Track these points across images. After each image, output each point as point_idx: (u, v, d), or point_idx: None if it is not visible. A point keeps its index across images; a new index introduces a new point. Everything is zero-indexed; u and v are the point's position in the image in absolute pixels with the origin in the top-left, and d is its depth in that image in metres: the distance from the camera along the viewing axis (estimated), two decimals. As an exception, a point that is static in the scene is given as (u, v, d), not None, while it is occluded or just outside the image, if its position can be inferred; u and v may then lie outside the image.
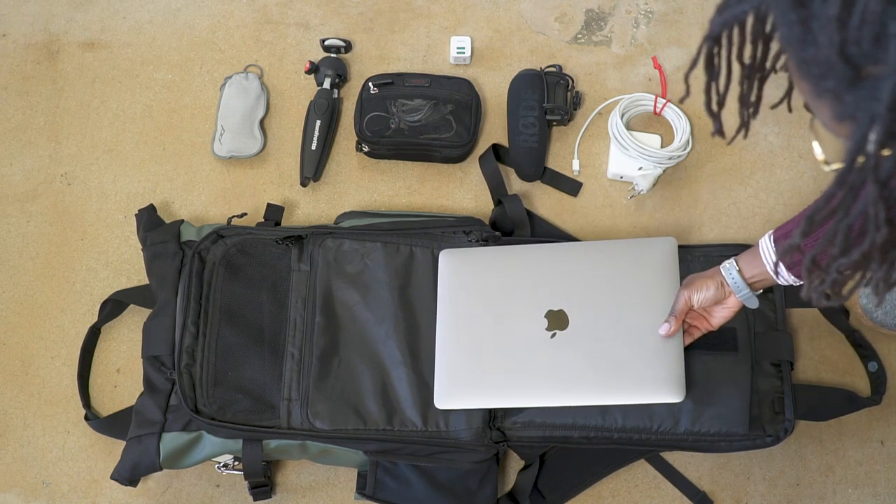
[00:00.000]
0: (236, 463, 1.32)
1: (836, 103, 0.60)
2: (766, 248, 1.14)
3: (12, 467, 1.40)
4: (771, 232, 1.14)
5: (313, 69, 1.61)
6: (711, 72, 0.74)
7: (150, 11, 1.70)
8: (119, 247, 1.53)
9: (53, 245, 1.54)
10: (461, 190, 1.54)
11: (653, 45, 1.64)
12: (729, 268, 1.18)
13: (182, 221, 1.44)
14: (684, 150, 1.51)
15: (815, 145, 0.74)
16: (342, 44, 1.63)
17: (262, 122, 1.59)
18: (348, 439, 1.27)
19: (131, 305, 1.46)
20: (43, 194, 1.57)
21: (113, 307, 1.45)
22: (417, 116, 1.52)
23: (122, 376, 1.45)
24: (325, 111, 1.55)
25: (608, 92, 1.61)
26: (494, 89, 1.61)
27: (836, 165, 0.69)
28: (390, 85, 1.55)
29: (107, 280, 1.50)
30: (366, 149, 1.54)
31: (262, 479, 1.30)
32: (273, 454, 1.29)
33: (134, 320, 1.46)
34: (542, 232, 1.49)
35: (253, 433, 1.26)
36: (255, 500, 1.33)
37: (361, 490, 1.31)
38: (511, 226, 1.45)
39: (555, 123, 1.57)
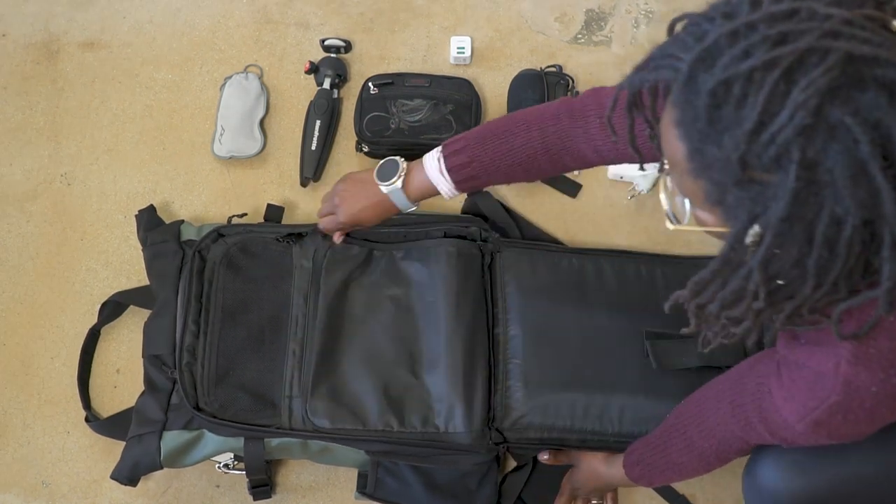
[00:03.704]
0: (237, 463, 1.32)
1: (714, 191, 0.65)
2: (432, 166, 1.17)
3: (12, 467, 1.40)
4: (440, 152, 1.16)
5: (313, 69, 1.61)
6: (632, 115, 0.78)
7: (150, 11, 1.70)
8: (119, 247, 1.53)
9: (53, 245, 1.54)
10: (461, 190, 1.54)
11: (653, 45, 1.63)
12: (395, 191, 1.21)
13: (182, 221, 1.44)
14: None
15: (663, 199, 0.78)
16: (342, 44, 1.63)
17: (262, 122, 1.59)
18: (348, 439, 1.27)
19: (131, 306, 1.46)
20: (43, 194, 1.57)
21: (113, 308, 1.45)
22: (417, 116, 1.52)
23: (122, 377, 1.45)
24: (325, 111, 1.55)
25: (608, 92, 1.61)
26: (494, 89, 1.61)
27: (678, 227, 0.76)
28: (390, 85, 1.55)
29: (107, 280, 1.50)
30: (366, 149, 1.54)
31: (263, 478, 1.30)
32: (274, 452, 1.29)
33: (134, 321, 1.46)
34: (529, 233, 1.49)
35: (254, 431, 1.26)
36: (255, 499, 1.33)
37: (362, 489, 1.31)
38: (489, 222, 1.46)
39: (555, 123, 1.56)
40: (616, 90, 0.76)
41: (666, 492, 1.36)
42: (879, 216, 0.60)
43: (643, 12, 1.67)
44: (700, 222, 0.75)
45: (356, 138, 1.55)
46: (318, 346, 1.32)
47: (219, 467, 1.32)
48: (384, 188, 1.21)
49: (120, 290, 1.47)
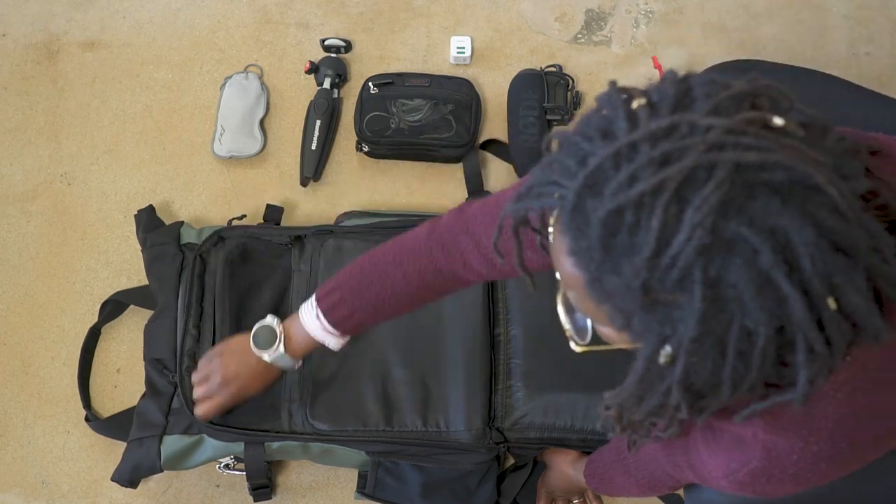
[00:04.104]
0: (236, 463, 1.32)
1: (619, 317, 0.63)
2: (308, 313, 1.12)
3: (12, 467, 1.40)
4: (314, 301, 1.12)
5: (313, 69, 1.61)
6: (518, 237, 0.75)
7: (150, 11, 1.70)
8: (119, 247, 1.53)
9: (53, 245, 1.54)
10: (461, 190, 1.54)
11: (653, 45, 1.64)
12: (280, 355, 1.16)
13: (182, 223, 1.43)
14: None
15: (562, 317, 0.77)
16: (342, 44, 1.63)
17: (262, 122, 1.59)
18: (349, 440, 1.27)
19: (131, 305, 1.46)
20: (43, 194, 1.57)
21: (113, 308, 1.45)
22: (417, 116, 1.52)
23: (122, 376, 1.45)
24: (325, 111, 1.55)
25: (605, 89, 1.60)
26: (494, 89, 1.61)
27: (589, 348, 0.77)
28: (390, 85, 1.55)
29: (107, 280, 1.50)
30: (366, 149, 1.54)
31: (264, 481, 1.30)
32: (275, 455, 1.29)
33: (134, 320, 1.46)
34: None
35: (255, 437, 1.26)
36: (255, 500, 1.33)
37: (361, 489, 1.31)
38: None
39: (555, 123, 1.57)
40: (500, 217, 0.74)
41: None
42: (790, 323, 0.58)
43: (643, 12, 1.67)
44: (606, 338, 0.73)
45: (356, 138, 1.55)
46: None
47: (219, 467, 1.32)
48: (267, 357, 1.15)
49: (120, 289, 1.47)
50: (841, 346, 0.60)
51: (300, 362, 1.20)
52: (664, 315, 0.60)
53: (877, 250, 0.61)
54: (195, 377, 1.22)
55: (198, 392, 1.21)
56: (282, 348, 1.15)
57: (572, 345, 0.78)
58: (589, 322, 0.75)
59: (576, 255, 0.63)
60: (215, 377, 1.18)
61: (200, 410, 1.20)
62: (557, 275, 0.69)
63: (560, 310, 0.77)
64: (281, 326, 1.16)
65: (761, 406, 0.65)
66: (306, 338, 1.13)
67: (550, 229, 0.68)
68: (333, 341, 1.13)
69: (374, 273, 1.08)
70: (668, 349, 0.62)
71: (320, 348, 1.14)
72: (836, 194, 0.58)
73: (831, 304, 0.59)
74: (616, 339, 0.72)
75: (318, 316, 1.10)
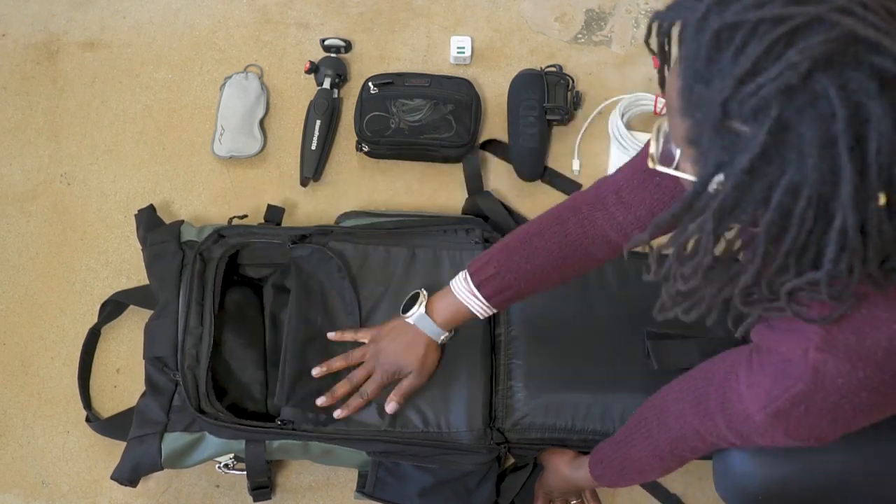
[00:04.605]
0: (236, 463, 1.32)
1: (694, 131, 0.67)
2: (460, 287, 1.18)
3: (12, 467, 1.40)
4: (465, 272, 1.18)
5: (313, 69, 1.61)
6: (663, 56, 0.79)
7: (150, 11, 1.70)
8: (119, 247, 1.53)
9: (53, 245, 1.54)
10: (461, 190, 1.54)
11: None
12: (420, 316, 1.22)
13: (182, 222, 1.43)
14: None
15: (653, 141, 0.80)
16: (342, 44, 1.63)
17: (262, 122, 1.59)
18: (350, 440, 1.27)
19: (131, 305, 1.46)
20: (43, 194, 1.57)
21: (113, 308, 1.45)
22: (417, 116, 1.52)
23: (122, 376, 1.45)
24: (325, 111, 1.55)
25: (608, 92, 1.61)
26: (494, 89, 1.61)
27: (661, 168, 0.78)
28: (390, 85, 1.55)
29: (107, 280, 1.50)
30: (366, 149, 1.54)
31: (264, 480, 1.30)
32: (275, 454, 1.29)
33: (134, 320, 1.46)
34: None
35: (256, 433, 1.26)
36: (255, 500, 1.33)
37: (361, 489, 1.31)
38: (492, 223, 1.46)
39: (555, 123, 1.57)
40: (649, 20, 0.78)
41: (659, 491, 1.36)
42: (835, 197, 0.61)
43: (643, 12, 1.67)
44: (680, 170, 0.76)
45: (356, 138, 1.55)
46: (317, 349, 1.32)
47: (219, 467, 1.32)
48: (410, 319, 1.22)
49: (120, 289, 1.47)
50: (877, 244, 0.63)
51: (446, 334, 1.24)
52: (729, 141, 0.64)
53: None
54: (357, 375, 1.26)
55: (356, 374, 1.25)
56: (422, 309, 1.21)
57: (648, 162, 0.80)
58: (677, 153, 0.77)
59: (683, 62, 0.67)
60: (375, 356, 1.25)
61: (391, 406, 1.25)
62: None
63: (653, 136, 0.80)
64: (425, 292, 1.23)
65: (799, 282, 0.67)
66: (452, 302, 1.19)
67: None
68: (478, 305, 1.17)
69: (522, 236, 1.15)
70: (720, 177, 0.65)
71: (467, 319, 1.20)
72: None
73: (882, 198, 0.61)
74: (687, 169, 0.74)
75: (465, 279, 1.17)
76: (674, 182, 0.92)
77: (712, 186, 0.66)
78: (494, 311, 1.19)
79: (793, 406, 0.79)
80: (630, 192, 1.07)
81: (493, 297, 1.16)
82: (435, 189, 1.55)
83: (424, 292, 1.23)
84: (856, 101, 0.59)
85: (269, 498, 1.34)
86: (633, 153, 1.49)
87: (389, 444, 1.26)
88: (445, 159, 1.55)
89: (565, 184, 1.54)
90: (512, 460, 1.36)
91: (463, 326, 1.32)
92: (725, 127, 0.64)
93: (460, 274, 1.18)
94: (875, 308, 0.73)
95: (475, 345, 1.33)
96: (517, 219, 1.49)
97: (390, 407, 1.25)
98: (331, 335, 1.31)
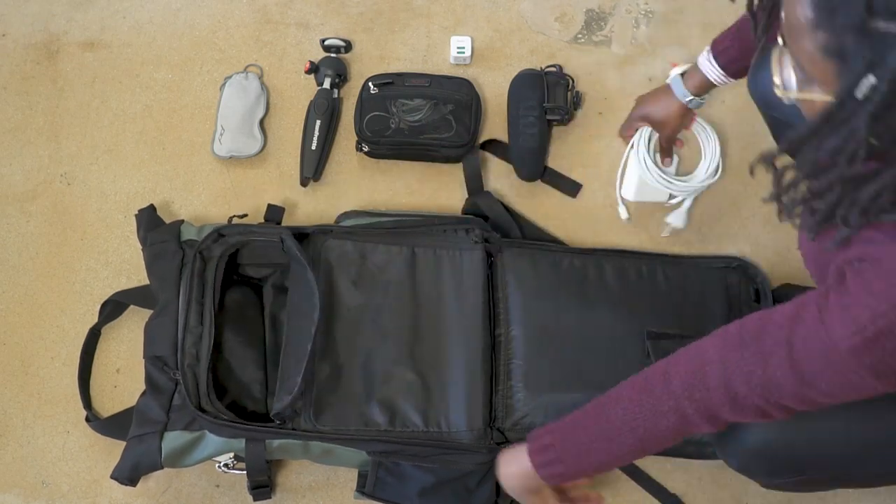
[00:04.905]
0: (236, 462, 1.32)
1: (833, 41, 0.65)
2: (706, 61, 1.24)
3: (12, 467, 1.40)
4: (708, 48, 1.24)
5: (313, 69, 1.61)
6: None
7: (150, 11, 1.70)
8: (119, 247, 1.53)
9: (53, 245, 1.54)
10: (461, 190, 1.54)
11: (653, 45, 1.64)
12: (675, 79, 1.30)
13: (182, 221, 1.43)
14: (714, 176, 1.40)
15: (774, 71, 0.78)
16: (342, 44, 1.63)
17: (262, 122, 1.59)
18: (350, 440, 1.27)
19: (131, 305, 1.46)
20: (43, 194, 1.57)
21: (113, 308, 1.45)
22: (417, 116, 1.52)
23: (122, 376, 1.45)
24: (325, 111, 1.55)
25: (608, 92, 1.61)
26: (494, 89, 1.61)
27: (790, 94, 0.76)
28: (390, 85, 1.54)
29: (107, 280, 1.50)
30: (366, 149, 1.54)
31: (264, 479, 1.30)
32: (275, 453, 1.29)
33: (134, 320, 1.46)
34: (530, 233, 1.49)
35: (256, 432, 1.26)
36: (255, 500, 1.33)
37: (361, 489, 1.31)
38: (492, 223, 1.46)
39: (555, 123, 1.57)
40: None
41: (659, 491, 1.36)
42: None
43: (643, 12, 1.67)
44: (806, 87, 0.74)
45: (356, 138, 1.55)
46: (320, 347, 1.32)
47: (219, 467, 1.32)
48: (667, 80, 1.32)
49: (120, 289, 1.47)
50: None
51: (691, 97, 1.30)
52: (878, 42, 0.63)
53: None
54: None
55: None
56: (680, 70, 1.30)
57: (776, 90, 0.78)
58: (793, 78, 0.76)
59: None
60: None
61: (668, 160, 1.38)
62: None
63: (773, 64, 0.78)
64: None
65: None
66: (700, 77, 1.27)
67: None
68: (715, 75, 1.24)
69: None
70: (871, 79, 0.64)
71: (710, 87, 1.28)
72: None
73: None
74: (818, 93, 0.72)
75: (710, 57, 1.24)
76: None
77: (860, 92, 0.65)
78: (734, 80, 1.24)
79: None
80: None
81: (728, 66, 1.22)
82: (435, 189, 1.55)
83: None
84: None
85: (269, 497, 1.34)
86: (660, 185, 1.41)
87: (390, 444, 1.26)
88: (445, 159, 1.55)
89: (565, 184, 1.54)
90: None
91: (463, 327, 1.32)
92: (870, 28, 0.63)
93: (705, 53, 1.24)
94: None
95: (475, 345, 1.33)
96: (517, 218, 1.49)
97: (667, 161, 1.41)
98: None
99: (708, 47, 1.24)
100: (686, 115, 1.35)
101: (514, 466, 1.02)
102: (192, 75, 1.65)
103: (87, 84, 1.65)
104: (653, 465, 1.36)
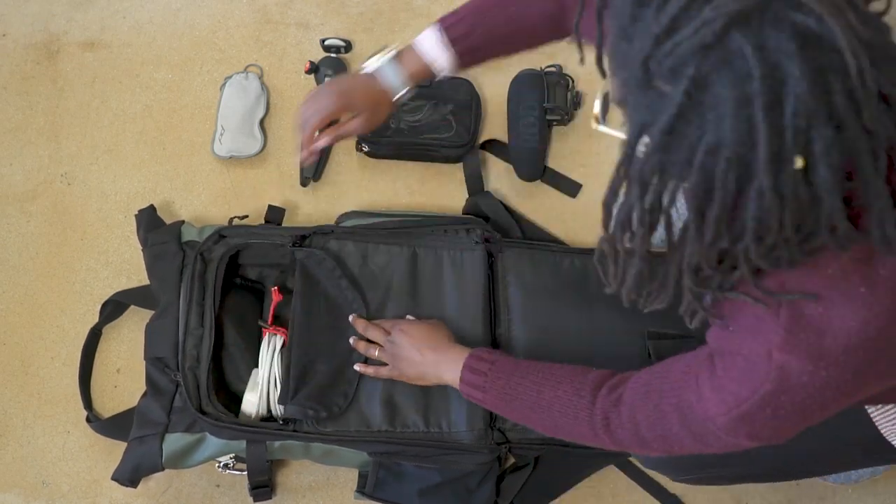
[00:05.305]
0: (237, 462, 1.32)
1: (622, 91, 0.67)
2: (432, 40, 1.12)
3: (12, 467, 1.40)
4: (438, 23, 1.13)
5: (313, 69, 1.61)
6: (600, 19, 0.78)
7: (150, 11, 1.70)
8: (119, 247, 1.53)
9: (53, 245, 1.54)
10: (461, 190, 1.54)
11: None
12: (387, 65, 1.15)
13: (182, 222, 1.43)
14: None
15: (596, 105, 0.80)
16: (342, 44, 1.63)
17: (262, 122, 1.59)
18: (351, 441, 1.27)
19: (132, 305, 1.46)
20: (43, 194, 1.57)
21: (113, 308, 1.45)
22: (417, 116, 1.52)
23: (123, 376, 1.45)
24: (326, 111, 1.55)
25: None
26: (494, 89, 1.61)
27: (603, 128, 0.78)
28: (390, 85, 1.54)
29: (107, 280, 1.50)
30: (366, 149, 1.54)
31: (264, 479, 1.30)
32: (277, 454, 1.29)
33: (134, 320, 1.46)
34: (531, 233, 1.49)
35: (257, 434, 1.26)
36: (255, 500, 1.33)
37: (361, 489, 1.31)
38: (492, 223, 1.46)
39: (555, 123, 1.57)
40: None
41: (658, 491, 1.36)
42: (752, 158, 0.59)
43: (643, 12, 1.67)
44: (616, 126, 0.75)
45: (356, 138, 1.55)
46: (321, 348, 1.32)
47: (219, 467, 1.32)
48: (375, 63, 1.15)
49: (120, 289, 1.47)
50: (794, 208, 0.61)
51: (406, 89, 1.16)
52: (652, 101, 0.63)
53: (874, 155, 0.62)
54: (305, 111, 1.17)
55: (307, 111, 1.16)
56: (389, 55, 1.14)
57: (592, 123, 0.80)
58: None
59: (613, 19, 0.67)
60: (323, 91, 1.17)
61: (321, 142, 1.17)
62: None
63: (597, 98, 0.79)
64: (396, 45, 1.16)
65: (732, 249, 0.66)
66: (419, 57, 1.13)
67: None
68: (445, 58, 1.12)
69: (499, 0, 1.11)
70: (645, 138, 0.65)
71: (426, 76, 1.14)
72: (854, 67, 0.58)
73: (798, 162, 0.60)
74: (620, 130, 0.73)
75: (439, 30, 1.11)
76: None
77: (640, 150, 0.65)
78: (457, 69, 1.14)
79: (760, 408, 0.78)
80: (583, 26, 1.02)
81: (465, 55, 1.13)
82: (435, 189, 1.55)
83: (394, 45, 1.16)
84: (773, 60, 0.57)
85: (270, 498, 1.34)
86: None
87: (391, 445, 1.27)
88: (445, 159, 1.55)
89: (565, 184, 1.54)
90: (512, 460, 1.36)
91: (463, 327, 1.32)
92: (649, 86, 0.63)
93: (429, 29, 1.13)
94: (832, 307, 0.72)
95: (476, 344, 1.33)
96: (518, 219, 1.49)
97: (320, 143, 1.16)
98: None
99: (437, 24, 1.12)
100: (389, 108, 1.18)
101: (443, 366, 1.14)
102: (192, 75, 1.65)
103: (87, 84, 1.65)
104: (653, 465, 1.37)
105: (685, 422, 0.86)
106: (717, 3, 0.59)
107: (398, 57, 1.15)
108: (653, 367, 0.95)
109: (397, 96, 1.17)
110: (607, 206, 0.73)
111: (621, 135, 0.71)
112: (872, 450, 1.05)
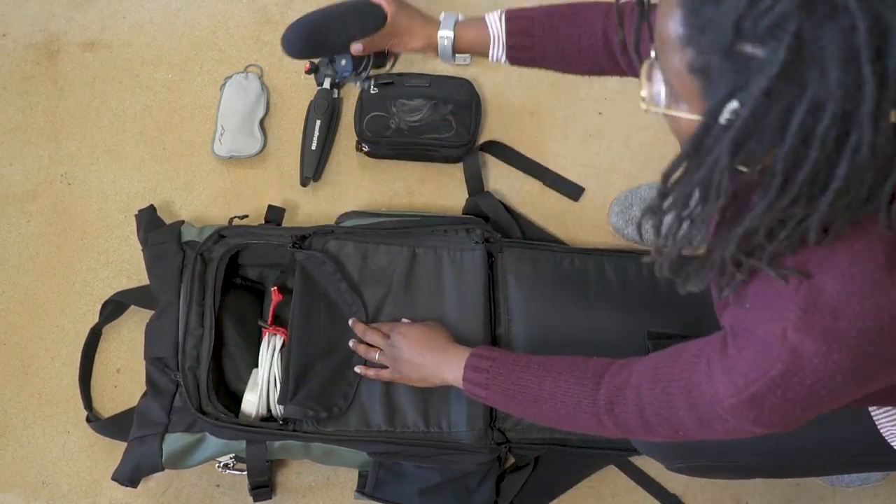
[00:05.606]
0: (237, 462, 1.32)
1: (699, 60, 0.64)
2: (493, 23, 1.12)
3: (12, 467, 1.40)
4: (504, 11, 1.12)
5: (313, 69, 1.60)
6: (642, 10, 0.78)
7: (150, 11, 1.70)
8: (119, 247, 1.53)
9: (53, 245, 1.54)
10: (461, 190, 1.54)
11: (653, 46, 1.64)
12: (445, 36, 1.14)
13: (182, 222, 1.43)
14: None
15: (644, 86, 0.77)
16: (342, 44, 1.63)
17: (262, 122, 1.59)
18: (351, 441, 1.27)
19: (132, 305, 1.46)
20: (43, 194, 1.57)
21: (113, 308, 1.45)
22: (417, 116, 1.52)
23: (122, 376, 1.45)
24: (325, 111, 1.55)
25: (608, 92, 1.61)
26: (494, 89, 1.61)
27: (656, 109, 0.75)
28: (390, 85, 1.54)
29: (107, 280, 1.50)
30: (366, 149, 1.54)
31: (264, 479, 1.30)
32: (277, 453, 1.29)
33: (134, 320, 1.46)
34: (531, 233, 1.49)
35: (256, 434, 1.26)
36: (255, 500, 1.33)
37: (361, 489, 1.31)
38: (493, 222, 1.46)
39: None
40: None
41: (658, 491, 1.36)
42: (856, 111, 0.60)
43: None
44: (672, 107, 0.74)
45: (356, 138, 1.55)
46: (319, 348, 1.32)
47: (219, 467, 1.32)
48: (442, 15, 1.15)
49: (120, 289, 1.47)
50: (878, 163, 0.62)
51: (453, 58, 1.17)
52: (743, 64, 0.62)
53: None
54: None
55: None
56: (458, 18, 1.13)
57: (642, 105, 0.77)
58: (662, 94, 0.75)
59: None
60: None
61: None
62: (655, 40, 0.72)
63: (642, 77, 0.77)
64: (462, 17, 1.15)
65: (815, 216, 0.65)
66: (481, 29, 1.12)
67: None
68: (500, 44, 1.12)
69: (573, 12, 1.09)
70: (734, 104, 0.63)
71: (478, 52, 1.15)
72: None
73: (893, 116, 0.60)
74: (684, 110, 0.71)
75: (500, 16, 1.11)
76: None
77: (724, 117, 0.64)
78: (504, 59, 1.14)
79: (770, 391, 0.77)
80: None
81: (515, 48, 1.12)
82: (435, 189, 1.55)
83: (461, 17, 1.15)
84: (876, 11, 0.58)
85: (270, 498, 1.34)
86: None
87: (390, 445, 1.27)
88: (445, 159, 1.55)
89: (567, 186, 1.54)
90: (512, 460, 1.36)
91: (463, 327, 1.32)
92: (736, 50, 0.62)
93: (495, 13, 1.12)
94: (852, 284, 0.72)
95: (475, 345, 1.33)
96: (517, 219, 1.49)
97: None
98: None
99: (502, 14, 1.12)
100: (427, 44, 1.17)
101: (445, 367, 1.15)
102: (192, 75, 1.65)
103: (87, 84, 1.65)
104: (653, 466, 1.37)
105: (692, 405, 0.86)
106: None
107: (461, 25, 1.14)
108: (661, 352, 0.94)
109: (437, 49, 1.17)
110: (668, 175, 0.71)
111: (681, 114, 0.71)
112: (872, 452, 1.04)
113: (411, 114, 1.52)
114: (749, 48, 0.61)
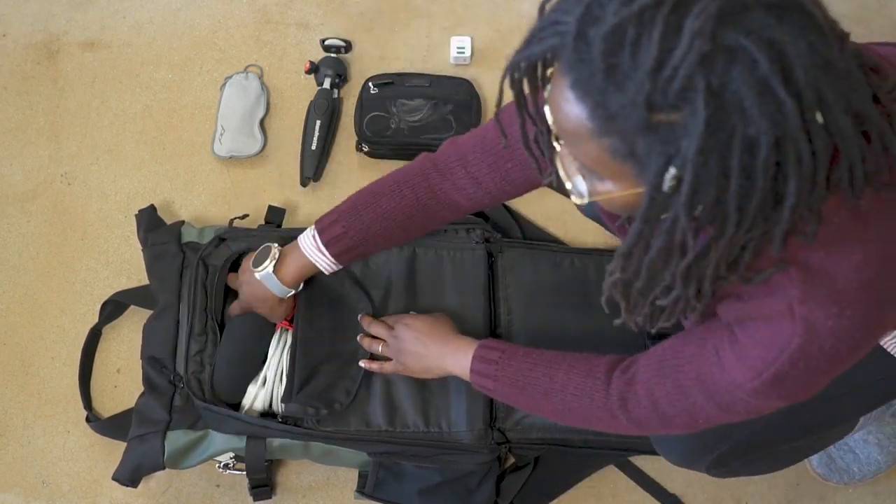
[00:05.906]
0: (237, 462, 1.32)
1: (622, 145, 0.65)
2: (308, 244, 1.18)
3: (12, 467, 1.40)
4: (313, 227, 1.18)
5: (313, 69, 1.61)
6: (521, 113, 0.79)
7: (150, 11, 1.70)
8: (119, 247, 1.53)
9: (53, 245, 1.54)
10: (461, 190, 1.54)
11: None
12: (267, 275, 1.22)
13: (182, 222, 1.43)
14: None
15: (565, 179, 0.78)
16: (342, 44, 1.63)
17: (262, 122, 1.59)
18: (351, 440, 1.27)
19: (132, 306, 1.46)
20: (43, 194, 1.57)
21: (113, 308, 1.45)
22: (417, 116, 1.52)
23: (123, 376, 1.45)
24: (325, 111, 1.55)
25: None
26: (494, 89, 1.60)
27: (587, 199, 0.75)
28: (390, 85, 1.55)
29: (107, 280, 1.50)
30: (366, 149, 1.54)
31: (263, 478, 1.30)
32: (276, 453, 1.29)
33: (134, 320, 1.46)
34: (531, 233, 1.49)
35: (260, 428, 1.26)
36: (255, 500, 1.33)
37: (361, 489, 1.31)
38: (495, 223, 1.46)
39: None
40: (500, 82, 0.76)
41: (658, 491, 1.36)
42: (785, 133, 0.61)
43: (643, 12, 1.67)
44: (605, 198, 0.74)
45: (356, 138, 1.55)
46: (320, 349, 1.32)
47: (219, 467, 1.32)
48: (257, 274, 1.22)
49: (120, 289, 1.47)
50: (824, 163, 0.64)
51: (291, 291, 1.25)
52: (667, 134, 0.62)
53: (854, 89, 0.65)
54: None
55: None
56: (270, 267, 1.21)
57: (573, 198, 0.78)
58: (582, 184, 0.76)
59: (578, 87, 0.64)
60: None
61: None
62: (555, 132, 0.73)
63: (560, 170, 0.78)
64: (277, 249, 1.22)
65: (777, 228, 0.67)
66: (300, 257, 1.19)
67: (548, 86, 0.71)
68: (325, 263, 1.18)
69: (371, 195, 1.15)
70: (672, 171, 0.64)
71: (312, 274, 1.21)
72: (821, 17, 0.62)
73: (819, 118, 0.62)
74: (615, 190, 0.72)
75: (313, 236, 1.17)
76: (523, 173, 0.96)
77: (666, 185, 0.64)
78: (340, 266, 1.19)
79: (791, 366, 0.77)
80: (478, 168, 1.07)
81: (341, 255, 1.17)
82: (435, 189, 1.55)
83: (276, 249, 1.22)
84: (767, 38, 0.59)
85: (269, 497, 1.34)
86: None
87: (390, 445, 1.27)
88: (445, 159, 1.55)
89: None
90: (512, 460, 1.36)
91: (463, 326, 1.32)
92: (655, 123, 0.62)
93: (307, 231, 1.18)
94: (832, 247, 0.73)
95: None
96: (517, 219, 1.49)
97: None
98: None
99: (313, 229, 1.18)
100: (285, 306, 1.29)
101: (449, 358, 1.15)
102: (192, 75, 1.65)
103: (87, 84, 1.65)
104: (653, 466, 1.37)
105: (710, 394, 0.86)
106: (696, 13, 0.59)
107: (281, 261, 1.21)
108: (662, 344, 0.94)
109: (287, 296, 1.26)
110: (629, 253, 0.72)
111: (618, 192, 0.71)
112: (891, 383, 1.03)
113: (411, 114, 1.52)
114: (666, 116, 0.62)
